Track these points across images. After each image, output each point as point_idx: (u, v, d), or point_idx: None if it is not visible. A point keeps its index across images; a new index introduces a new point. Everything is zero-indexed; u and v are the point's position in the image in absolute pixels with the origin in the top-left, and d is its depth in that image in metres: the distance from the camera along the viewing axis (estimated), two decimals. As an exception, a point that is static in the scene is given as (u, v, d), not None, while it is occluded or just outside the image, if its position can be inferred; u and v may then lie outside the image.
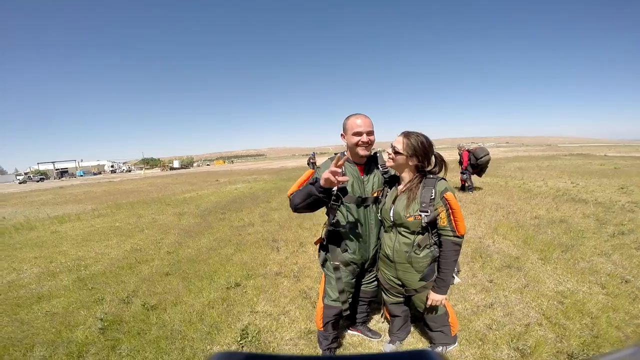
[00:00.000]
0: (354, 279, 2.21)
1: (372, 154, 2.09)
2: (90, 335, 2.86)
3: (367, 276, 2.33)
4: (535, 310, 2.87)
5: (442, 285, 1.91)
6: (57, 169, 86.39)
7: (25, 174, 75.30)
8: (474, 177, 9.88)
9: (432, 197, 1.82)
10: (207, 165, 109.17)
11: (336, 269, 2.11)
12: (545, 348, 2.33)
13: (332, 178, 1.62)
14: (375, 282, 2.36)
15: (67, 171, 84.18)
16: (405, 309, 2.37)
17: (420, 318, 2.30)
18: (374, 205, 2.08)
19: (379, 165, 2.12)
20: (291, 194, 1.98)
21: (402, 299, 2.27)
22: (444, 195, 1.80)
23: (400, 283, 2.11)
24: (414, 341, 2.54)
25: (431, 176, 1.91)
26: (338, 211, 2.03)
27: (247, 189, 14.39)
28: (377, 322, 2.84)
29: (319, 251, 2.22)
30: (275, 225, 6.68)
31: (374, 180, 2.06)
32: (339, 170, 1.64)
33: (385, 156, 2.04)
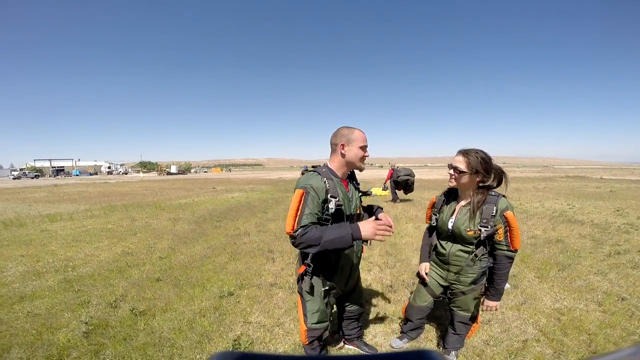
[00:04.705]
0: (335, 299, 2.21)
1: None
2: (73, 338, 2.75)
3: (350, 297, 2.34)
4: (533, 327, 2.83)
5: (495, 294, 2.03)
6: (53, 167, 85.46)
7: (21, 170, 74.43)
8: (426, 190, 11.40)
9: (493, 214, 1.90)
10: (205, 172, 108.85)
11: (325, 292, 2.03)
12: (544, 365, 2.28)
13: (386, 234, 1.61)
14: (359, 301, 2.40)
15: (63, 169, 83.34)
16: (421, 318, 2.45)
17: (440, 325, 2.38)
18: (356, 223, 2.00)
19: (355, 182, 2.08)
20: (299, 228, 1.63)
21: (427, 304, 2.35)
22: (504, 214, 1.88)
23: (446, 284, 2.22)
24: (419, 344, 2.60)
25: (493, 193, 1.97)
26: None
27: (244, 198, 14.29)
28: (374, 336, 2.78)
29: (302, 279, 1.99)
30: (271, 235, 6.59)
31: (356, 196, 2.02)
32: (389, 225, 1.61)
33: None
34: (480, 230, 1.91)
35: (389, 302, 3.40)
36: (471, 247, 2.01)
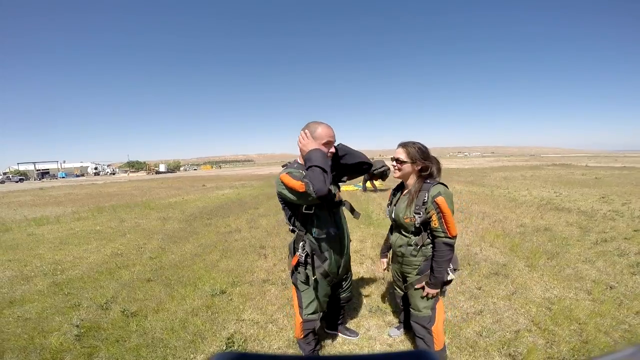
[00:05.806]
0: (329, 287, 2.24)
1: None
2: (66, 342, 2.71)
3: (343, 284, 2.39)
4: (524, 317, 2.87)
5: (434, 282, 2.01)
6: (37, 170, 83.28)
7: (4, 174, 72.40)
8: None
9: (425, 200, 1.93)
10: (194, 169, 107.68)
11: (317, 281, 2.06)
12: (536, 354, 2.32)
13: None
14: (350, 288, 2.46)
15: (48, 172, 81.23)
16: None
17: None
18: (341, 208, 2.14)
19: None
20: (304, 184, 1.75)
21: (403, 294, 2.43)
22: (435, 200, 1.90)
23: (401, 277, 2.29)
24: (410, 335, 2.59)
25: (429, 181, 2.01)
26: (315, 219, 1.98)
27: (235, 194, 14.20)
28: (368, 329, 2.80)
29: (296, 270, 2.10)
30: (262, 231, 6.56)
31: (333, 185, 2.08)
32: None
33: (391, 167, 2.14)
34: (414, 217, 1.97)
35: (381, 294, 3.43)
36: (410, 235, 2.06)
